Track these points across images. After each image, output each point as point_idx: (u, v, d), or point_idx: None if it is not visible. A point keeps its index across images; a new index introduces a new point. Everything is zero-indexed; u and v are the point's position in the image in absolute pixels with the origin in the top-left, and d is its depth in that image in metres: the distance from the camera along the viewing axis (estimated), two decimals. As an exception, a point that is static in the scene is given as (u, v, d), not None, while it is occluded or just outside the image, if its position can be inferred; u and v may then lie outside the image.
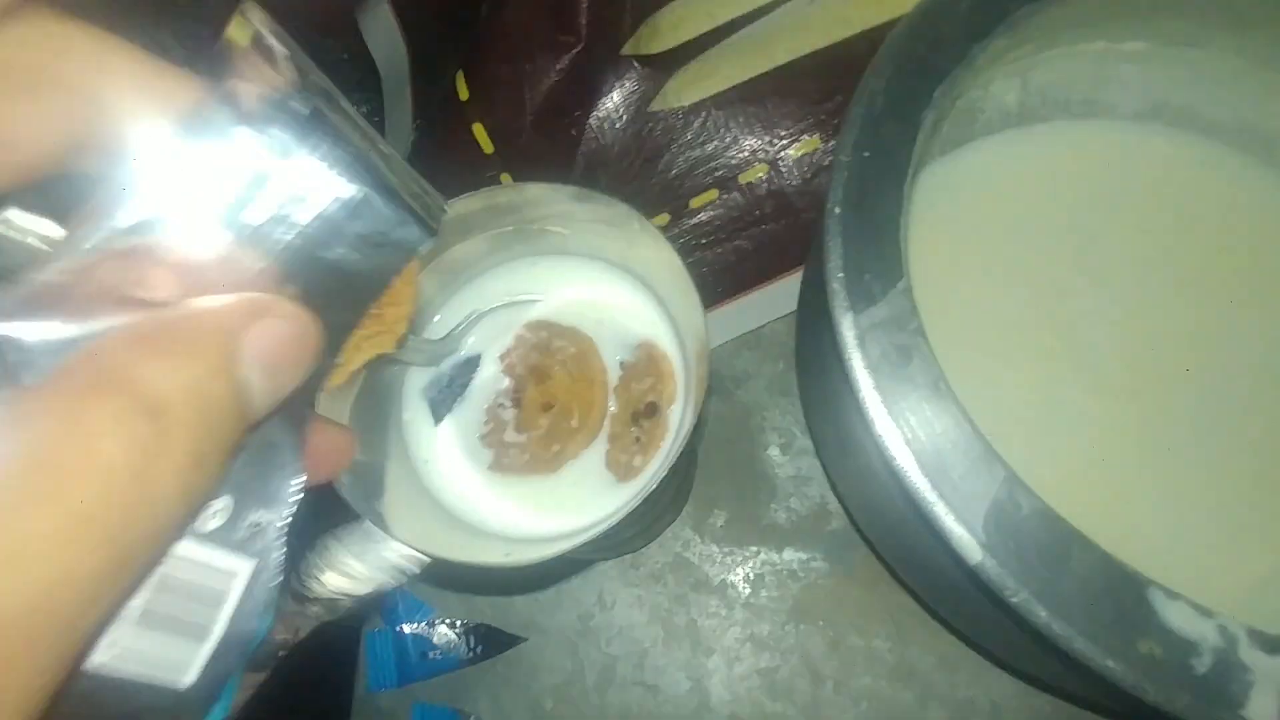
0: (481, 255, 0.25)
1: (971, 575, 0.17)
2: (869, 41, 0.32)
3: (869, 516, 0.25)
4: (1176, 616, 0.16)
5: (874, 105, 0.20)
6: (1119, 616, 0.16)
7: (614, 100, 0.35)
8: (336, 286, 0.13)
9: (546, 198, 0.22)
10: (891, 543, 0.24)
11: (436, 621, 0.33)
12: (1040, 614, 0.16)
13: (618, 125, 0.35)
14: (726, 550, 0.32)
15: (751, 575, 0.32)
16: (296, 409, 0.12)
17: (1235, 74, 0.28)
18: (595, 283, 0.25)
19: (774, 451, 0.34)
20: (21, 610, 0.08)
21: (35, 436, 0.08)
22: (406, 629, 0.33)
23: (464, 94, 0.35)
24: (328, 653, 0.39)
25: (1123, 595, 0.16)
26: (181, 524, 0.10)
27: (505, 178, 0.36)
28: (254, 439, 0.11)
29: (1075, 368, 0.27)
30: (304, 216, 0.12)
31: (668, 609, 0.32)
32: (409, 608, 0.33)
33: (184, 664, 0.11)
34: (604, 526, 0.19)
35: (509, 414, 0.24)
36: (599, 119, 0.35)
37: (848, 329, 0.19)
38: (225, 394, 0.10)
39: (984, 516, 0.17)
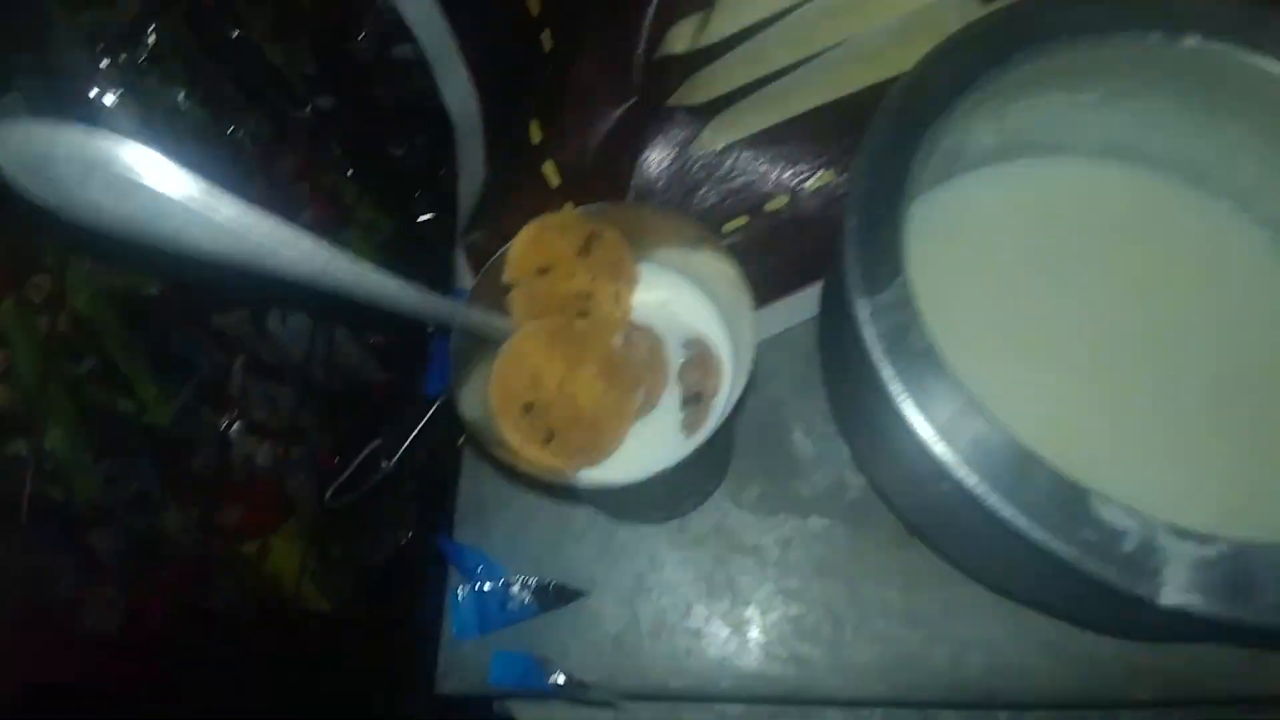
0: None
1: (957, 488, 0.23)
2: (872, 95, 0.38)
3: (880, 463, 0.31)
4: (1109, 513, 0.22)
5: (878, 147, 0.27)
6: (1065, 512, 0.22)
7: (661, 142, 0.42)
8: None
9: (637, 214, 0.29)
10: (897, 479, 0.30)
11: (512, 580, 0.38)
12: (1007, 511, 0.22)
13: (663, 163, 0.42)
14: (759, 518, 0.38)
15: (781, 539, 0.38)
16: None
17: (1172, 118, 0.34)
18: (663, 283, 0.31)
19: (798, 435, 0.39)
20: None
21: None
22: (486, 586, 0.38)
23: (536, 138, 0.42)
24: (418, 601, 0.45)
25: (1069, 498, 0.22)
26: None
27: (568, 206, 0.43)
28: None
29: (1048, 357, 0.33)
30: None
31: (710, 568, 0.38)
32: (488, 569, 0.39)
33: None
34: (656, 471, 0.25)
35: None
36: (648, 158, 0.42)
37: (862, 309, 0.25)
38: None
39: (967, 443, 0.23)
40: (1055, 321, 0.34)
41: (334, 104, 1.06)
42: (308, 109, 1.04)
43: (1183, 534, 0.22)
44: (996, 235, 0.36)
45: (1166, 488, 0.28)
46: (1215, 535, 0.22)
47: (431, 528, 0.78)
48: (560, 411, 0.28)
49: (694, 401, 0.30)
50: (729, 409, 0.26)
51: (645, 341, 0.30)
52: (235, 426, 0.83)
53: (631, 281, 0.30)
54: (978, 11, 0.36)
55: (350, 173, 1.06)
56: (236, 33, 0.96)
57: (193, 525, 0.82)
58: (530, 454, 0.27)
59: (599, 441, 0.28)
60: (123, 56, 0.76)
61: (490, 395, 0.27)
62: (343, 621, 0.81)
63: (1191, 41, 0.29)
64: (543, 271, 0.28)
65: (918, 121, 0.27)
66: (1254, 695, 0.34)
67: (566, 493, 0.37)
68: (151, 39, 0.79)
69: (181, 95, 0.83)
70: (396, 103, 1.10)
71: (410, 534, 0.92)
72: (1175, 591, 0.21)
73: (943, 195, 0.36)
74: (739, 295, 0.28)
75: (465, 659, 0.38)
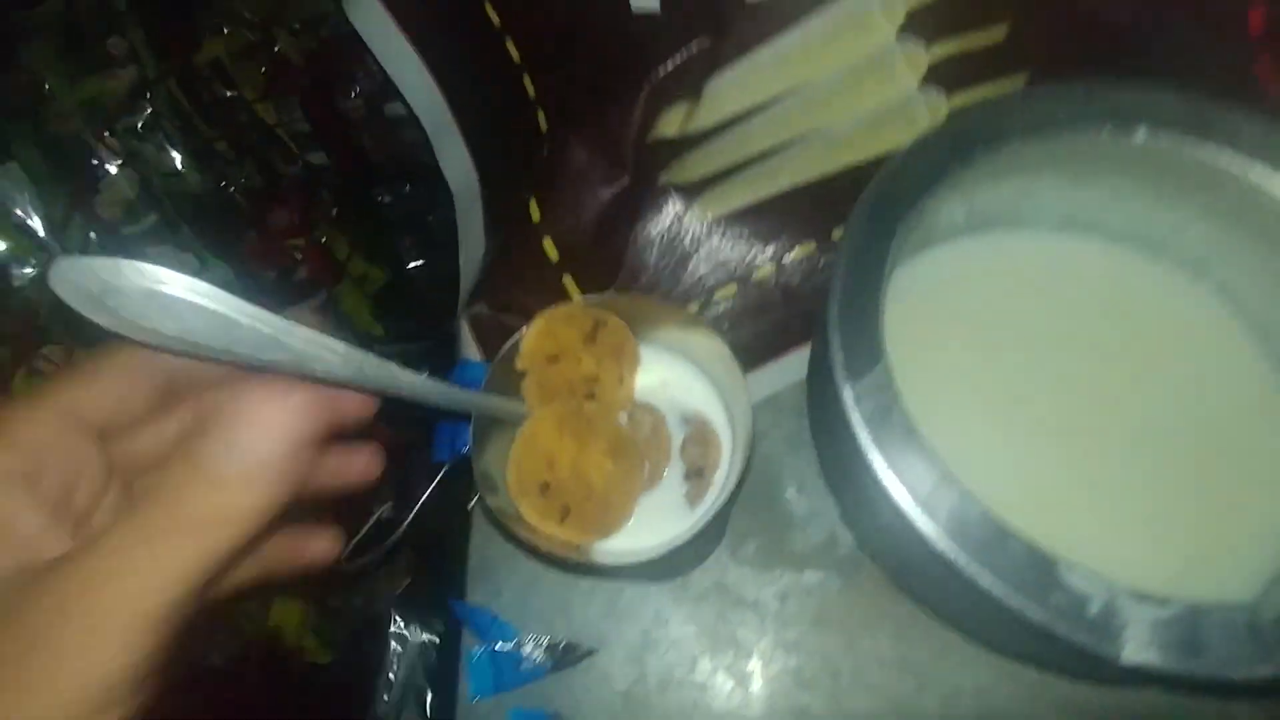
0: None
1: (938, 557, 0.25)
2: (846, 176, 0.41)
3: (867, 528, 0.34)
4: (1076, 579, 0.25)
5: (856, 242, 0.30)
6: (1036, 579, 0.24)
7: (654, 218, 0.44)
8: None
9: (637, 302, 0.31)
10: (884, 545, 0.32)
11: (524, 640, 0.40)
12: (985, 579, 0.24)
13: (656, 237, 0.45)
14: (757, 573, 0.40)
15: (779, 593, 0.40)
16: None
17: (1127, 197, 0.37)
18: (663, 364, 0.33)
19: (791, 492, 0.42)
20: None
21: None
22: (499, 647, 0.40)
23: (536, 216, 0.45)
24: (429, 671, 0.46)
25: (1039, 566, 0.25)
26: None
27: (568, 278, 0.45)
28: None
29: (1016, 419, 0.35)
30: None
31: (713, 623, 0.40)
32: (500, 630, 0.41)
33: None
34: (665, 550, 0.28)
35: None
36: (642, 232, 0.44)
37: (848, 395, 0.27)
38: None
39: (946, 517, 0.26)
40: (1022, 384, 0.36)
41: (326, 159, 1.09)
42: (300, 164, 1.06)
43: (1142, 598, 0.24)
44: (967, 302, 0.39)
45: (1129, 548, 0.31)
46: (1171, 598, 0.24)
47: (432, 574, 0.79)
48: (574, 489, 0.30)
49: (695, 475, 0.32)
50: (731, 483, 0.29)
51: (648, 420, 0.32)
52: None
53: (634, 364, 0.32)
54: (943, 103, 0.39)
55: (342, 223, 1.09)
56: (229, 93, 0.99)
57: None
58: (548, 530, 0.29)
59: (610, 515, 0.31)
60: (120, 124, 0.79)
61: (509, 477, 0.29)
62: (343, 671, 0.81)
63: (1140, 135, 0.32)
64: (552, 359, 0.31)
65: (891, 217, 0.30)
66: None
67: (586, 569, 0.39)
68: (148, 107, 0.81)
69: (179, 159, 0.86)
70: (386, 156, 1.13)
71: (409, 581, 0.92)
72: (1136, 650, 0.24)
73: (918, 266, 0.39)
74: (733, 374, 0.30)
75: (481, 717, 0.39)
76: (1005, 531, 0.25)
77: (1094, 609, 0.24)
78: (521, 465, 0.29)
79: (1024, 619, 0.24)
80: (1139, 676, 0.25)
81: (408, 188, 1.13)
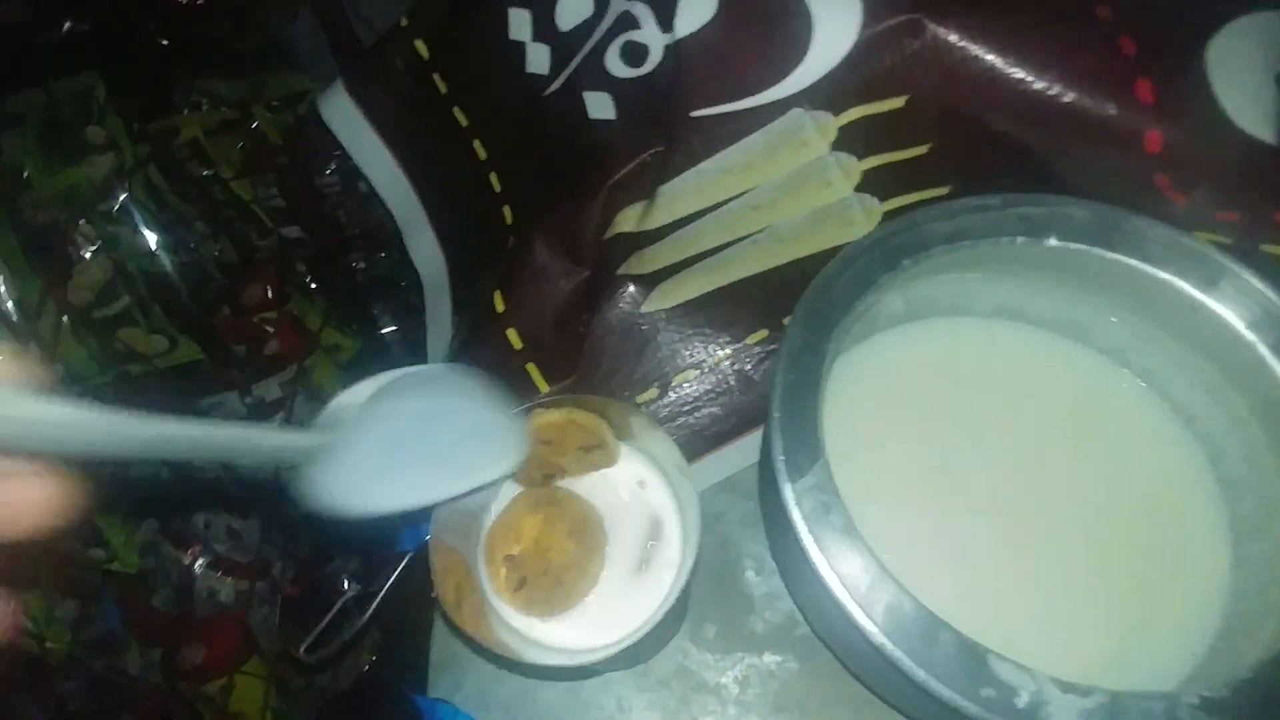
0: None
1: (877, 650, 0.26)
2: (793, 268, 0.43)
3: (813, 615, 0.35)
4: (1005, 672, 0.26)
5: (793, 348, 0.32)
6: (967, 672, 0.26)
7: (612, 307, 0.46)
8: None
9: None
10: (831, 634, 0.33)
11: (485, 733, 0.40)
12: (919, 673, 0.26)
13: (615, 324, 0.47)
14: (718, 657, 0.41)
15: (739, 676, 0.40)
16: None
17: (1049, 290, 0.40)
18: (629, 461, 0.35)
19: (750, 574, 0.43)
20: None
21: None
22: (462, 739, 0.40)
23: (500, 307, 0.47)
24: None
25: (970, 658, 0.26)
26: None
27: (531, 367, 0.47)
28: None
29: (953, 504, 0.37)
30: None
31: (675, 709, 0.40)
32: (461, 722, 0.41)
33: None
34: (627, 643, 0.29)
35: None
36: (601, 320, 0.46)
37: (789, 494, 0.29)
38: None
39: (883, 611, 0.27)
40: (958, 469, 0.38)
41: (300, 233, 1.11)
42: (274, 238, 1.08)
43: (1067, 687, 0.26)
44: (907, 385, 0.41)
45: (1059, 635, 0.33)
46: (1094, 687, 0.26)
47: (394, 657, 0.78)
48: (533, 564, 0.31)
49: (644, 568, 0.33)
50: (683, 580, 0.30)
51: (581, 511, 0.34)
52: (199, 563, 0.83)
53: (600, 459, 0.34)
54: (877, 206, 0.42)
55: (315, 294, 1.10)
56: (206, 172, 1.01)
57: (154, 665, 0.80)
58: (505, 598, 0.31)
59: (560, 593, 0.32)
60: (97, 211, 0.80)
61: (485, 545, 0.31)
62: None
63: (1052, 242, 0.35)
64: (545, 443, 0.33)
65: (826, 321, 0.32)
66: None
67: (537, 671, 0.40)
68: (124, 192, 0.83)
69: (153, 240, 0.87)
70: (360, 228, 1.16)
71: (374, 659, 0.91)
72: (1064, 739, 0.25)
73: (862, 352, 0.41)
74: (683, 478, 0.32)
75: (443, 815, 0.39)
76: (939, 625, 0.27)
77: (1022, 701, 0.25)
78: (495, 536, 0.31)
79: (957, 711, 0.25)
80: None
81: (382, 254, 1.15)
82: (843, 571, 0.28)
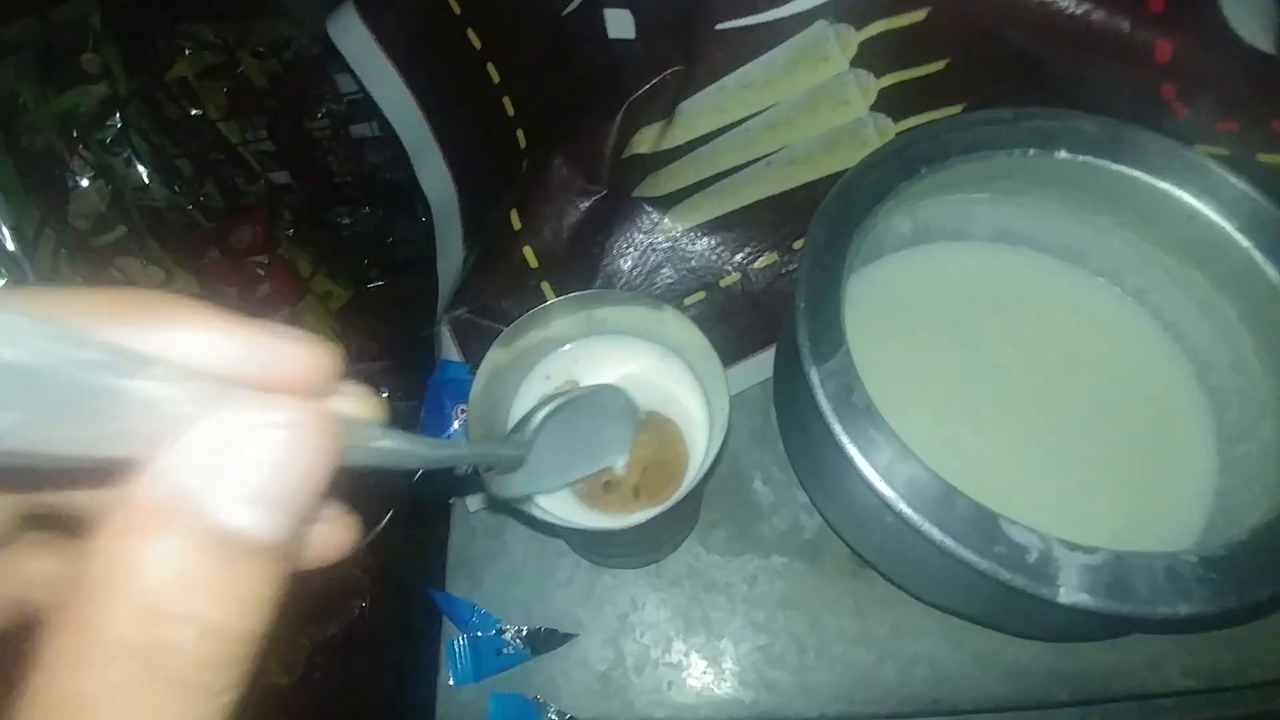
0: (559, 337, 0.36)
1: (898, 516, 0.28)
2: (805, 191, 0.45)
3: (830, 498, 0.37)
4: (1015, 532, 0.28)
5: (818, 244, 0.33)
6: (981, 533, 0.28)
7: (627, 229, 0.47)
8: None
9: (611, 297, 0.34)
10: (848, 514, 0.35)
11: (504, 628, 0.42)
12: (936, 534, 0.27)
13: (629, 247, 0.48)
14: (727, 559, 0.43)
15: (747, 576, 0.42)
16: None
17: (1052, 211, 0.42)
18: (641, 356, 0.36)
19: (758, 484, 0.45)
20: None
21: None
22: (480, 634, 0.41)
23: (517, 225, 0.47)
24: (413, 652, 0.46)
25: (983, 522, 0.28)
26: None
27: (546, 284, 0.48)
28: None
29: (958, 405, 0.39)
30: None
31: (686, 606, 0.42)
32: (481, 619, 0.42)
33: None
34: (645, 518, 0.30)
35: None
36: (616, 242, 0.47)
37: (815, 376, 0.30)
38: None
39: (903, 482, 0.29)
40: (963, 375, 0.40)
41: (289, 179, 1.09)
42: (262, 183, 1.07)
43: (1073, 546, 0.28)
44: (914, 305, 0.43)
45: (1064, 514, 0.35)
46: (1098, 546, 0.28)
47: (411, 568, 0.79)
48: (651, 469, 0.34)
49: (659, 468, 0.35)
50: (708, 464, 0.31)
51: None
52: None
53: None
54: (890, 127, 0.43)
55: (303, 241, 1.09)
56: (194, 111, 0.99)
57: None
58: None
59: (671, 485, 0.34)
60: (92, 138, 0.79)
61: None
62: (307, 693, 0.80)
63: (1061, 154, 0.37)
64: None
65: (847, 223, 0.34)
66: (1150, 693, 0.40)
67: (566, 535, 0.41)
68: (118, 122, 0.82)
69: (146, 174, 0.86)
70: (351, 176, 1.15)
71: (364, 604, 0.92)
72: (1070, 592, 0.27)
73: (871, 274, 0.43)
74: (710, 362, 0.33)
75: (463, 704, 0.40)
76: (953, 493, 0.28)
77: (1032, 557, 0.27)
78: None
79: (972, 567, 0.27)
80: (1076, 623, 0.29)
81: (367, 209, 1.14)
82: (864, 447, 0.29)
